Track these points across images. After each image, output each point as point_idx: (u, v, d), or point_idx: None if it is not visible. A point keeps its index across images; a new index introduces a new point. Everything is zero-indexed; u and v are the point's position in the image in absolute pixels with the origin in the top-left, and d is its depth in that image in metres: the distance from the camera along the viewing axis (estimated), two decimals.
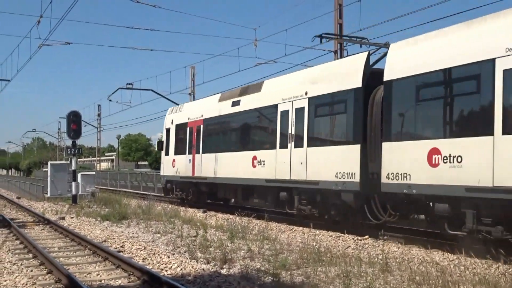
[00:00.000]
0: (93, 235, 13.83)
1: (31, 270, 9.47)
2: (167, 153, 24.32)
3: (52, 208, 22.42)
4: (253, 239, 12.42)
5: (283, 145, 15.61)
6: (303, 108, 14.86)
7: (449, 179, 10.35)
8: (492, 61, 9.75)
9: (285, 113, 15.61)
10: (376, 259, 9.91)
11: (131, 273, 8.86)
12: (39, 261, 10.23)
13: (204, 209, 20.86)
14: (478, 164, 9.80)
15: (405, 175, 11.35)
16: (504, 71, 9.53)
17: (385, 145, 11.96)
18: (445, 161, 10.47)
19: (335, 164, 13.46)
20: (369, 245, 12.07)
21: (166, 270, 9.15)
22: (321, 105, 14.48)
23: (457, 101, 10.75)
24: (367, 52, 13.48)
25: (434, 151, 10.74)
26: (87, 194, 26.90)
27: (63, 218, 18.33)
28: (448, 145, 10.44)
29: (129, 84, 33.16)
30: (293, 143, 15.19)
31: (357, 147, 12.87)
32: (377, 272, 8.74)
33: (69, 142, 28.34)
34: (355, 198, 13.14)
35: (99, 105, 51.57)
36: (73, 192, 24.02)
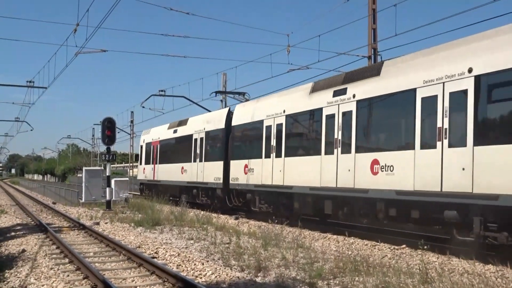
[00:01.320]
0: (128, 241, 13.91)
1: (68, 275, 9.55)
2: (140, 163, 33.98)
3: (87, 213, 22.73)
4: (286, 246, 12.25)
5: (194, 160, 24.70)
6: (203, 137, 24.10)
7: (250, 180, 19.21)
8: (262, 121, 18.65)
9: (195, 140, 24.85)
10: (415, 269, 9.63)
11: (165, 280, 8.83)
12: (75, 266, 10.32)
13: (236, 215, 20.88)
14: (265, 172, 18.17)
15: (236, 178, 20.29)
16: (266, 126, 18.36)
17: (231, 162, 20.98)
18: (249, 171, 19.31)
19: (214, 172, 22.43)
20: (406, 255, 11.77)
21: (201, 277, 9.09)
22: (210, 136, 23.59)
23: (254, 141, 19.36)
24: (228, 108, 23.26)
25: (246, 165, 19.60)
26: (121, 199, 27.21)
27: (98, 224, 18.54)
28: (250, 162, 19.28)
29: (162, 91, 33.48)
30: (198, 159, 24.32)
31: (222, 163, 21.85)
32: (417, 283, 8.46)
33: (103, 148, 28.81)
34: (222, 192, 22.00)
35: (132, 112, 51.95)
36: (107, 197, 24.23)
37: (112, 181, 26.72)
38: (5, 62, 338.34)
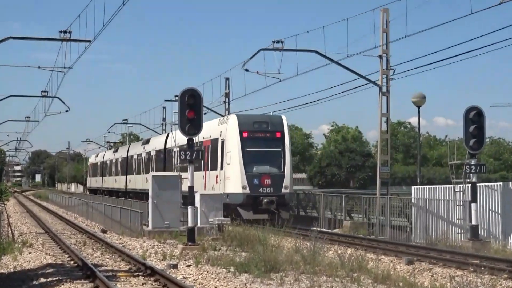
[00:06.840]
0: None
1: None
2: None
3: (157, 249, 23.54)
4: None
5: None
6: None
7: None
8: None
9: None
10: None
11: None
12: None
13: (409, 258, 20.60)
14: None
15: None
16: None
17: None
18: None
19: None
20: None
21: None
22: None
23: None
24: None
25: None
26: (211, 227, 27.52)
27: (175, 267, 19.09)
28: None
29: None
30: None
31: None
32: None
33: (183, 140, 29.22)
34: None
35: (227, 79, 56.21)
36: (189, 223, 24.14)
37: (197, 196, 27.31)
38: (25, 8, 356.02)
